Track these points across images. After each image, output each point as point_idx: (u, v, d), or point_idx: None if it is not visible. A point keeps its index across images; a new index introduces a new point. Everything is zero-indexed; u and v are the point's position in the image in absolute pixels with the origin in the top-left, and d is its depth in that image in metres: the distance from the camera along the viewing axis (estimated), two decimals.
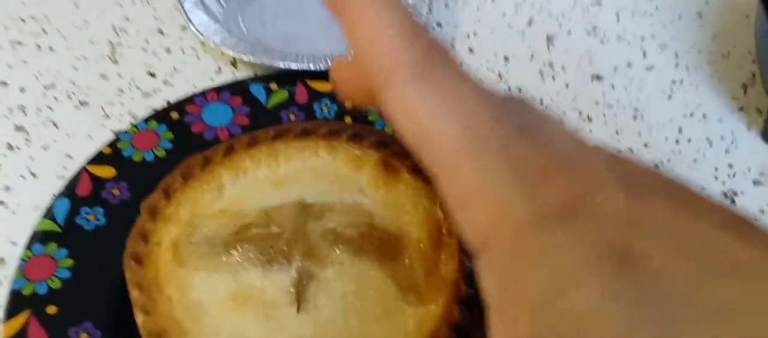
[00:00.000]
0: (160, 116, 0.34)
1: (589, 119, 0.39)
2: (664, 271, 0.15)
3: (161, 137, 0.34)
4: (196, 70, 0.39)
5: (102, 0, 0.42)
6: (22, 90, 0.37)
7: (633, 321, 0.14)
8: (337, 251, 0.25)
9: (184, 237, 0.26)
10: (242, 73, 0.39)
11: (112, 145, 0.33)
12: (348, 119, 0.34)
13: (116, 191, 0.31)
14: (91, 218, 0.30)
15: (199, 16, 0.39)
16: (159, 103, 0.37)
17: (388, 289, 0.24)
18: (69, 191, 0.31)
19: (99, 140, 0.36)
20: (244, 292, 0.24)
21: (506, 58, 0.42)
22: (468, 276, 0.24)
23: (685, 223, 0.16)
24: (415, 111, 0.18)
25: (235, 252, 0.25)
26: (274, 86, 0.36)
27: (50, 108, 0.37)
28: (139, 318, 0.24)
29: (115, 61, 0.39)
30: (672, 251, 0.15)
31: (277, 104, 0.36)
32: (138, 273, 0.25)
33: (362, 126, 0.29)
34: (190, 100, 0.35)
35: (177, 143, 0.34)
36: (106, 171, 0.32)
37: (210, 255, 0.25)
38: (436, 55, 0.18)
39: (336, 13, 0.20)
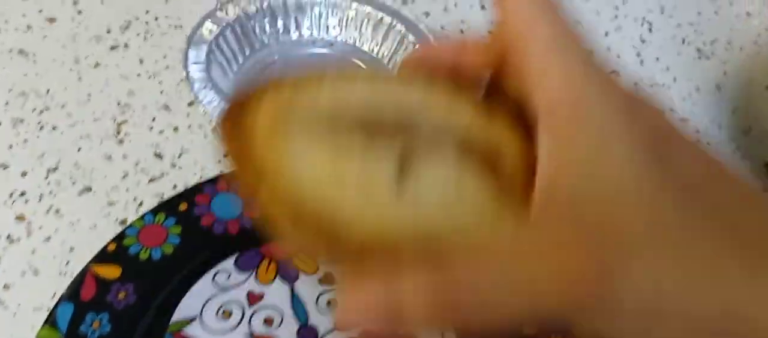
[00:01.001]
0: (168, 207, 0.33)
1: None
2: (687, 173, 0.20)
3: (169, 231, 0.32)
4: (204, 151, 0.38)
5: (106, 72, 0.41)
6: (23, 174, 0.36)
7: (655, 183, 0.19)
8: (441, 150, 0.24)
9: (284, 113, 0.24)
10: None
11: (117, 240, 0.32)
12: None
13: (122, 295, 0.30)
14: (96, 325, 0.29)
15: (208, 95, 0.38)
16: (166, 187, 0.36)
17: (487, 192, 0.23)
18: (72, 294, 0.30)
19: (103, 230, 0.34)
20: (345, 172, 0.23)
21: None
22: None
23: (714, 167, 0.21)
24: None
25: (339, 131, 0.24)
26: None
27: (52, 194, 0.35)
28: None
29: (120, 141, 0.38)
30: (697, 167, 0.21)
31: None
32: (235, 144, 0.24)
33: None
34: (199, 189, 0.34)
35: (185, 239, 0.32)
36: (111, 271, 0.31)
37: (311, 132, 0.24)
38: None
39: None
